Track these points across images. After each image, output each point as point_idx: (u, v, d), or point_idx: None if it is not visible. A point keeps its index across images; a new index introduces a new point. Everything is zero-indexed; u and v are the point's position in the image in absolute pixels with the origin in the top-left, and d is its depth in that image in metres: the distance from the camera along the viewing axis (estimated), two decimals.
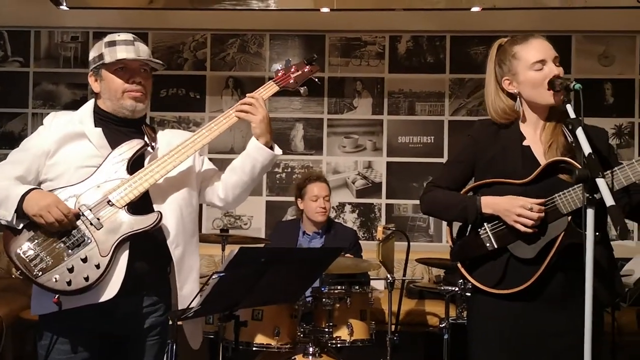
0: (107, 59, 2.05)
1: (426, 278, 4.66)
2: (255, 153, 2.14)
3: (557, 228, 1.92)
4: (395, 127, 5.24)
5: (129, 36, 2.10)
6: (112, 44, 2.07)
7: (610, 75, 5.13)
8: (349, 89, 5.28)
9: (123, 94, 2.06)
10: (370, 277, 4.26)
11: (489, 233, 2.01)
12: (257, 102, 2.12)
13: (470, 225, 2.07)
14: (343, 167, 5.26)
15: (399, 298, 3.55)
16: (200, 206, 2.31)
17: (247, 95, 2.16)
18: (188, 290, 2.09)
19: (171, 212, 2.06)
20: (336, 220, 5.06)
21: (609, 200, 1.63)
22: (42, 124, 2.11)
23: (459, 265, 2.09)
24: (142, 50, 2.10)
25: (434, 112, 5.22)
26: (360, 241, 4.00)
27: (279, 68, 2.28)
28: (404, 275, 3.67)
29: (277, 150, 2.18)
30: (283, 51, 5.29)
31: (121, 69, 2.06)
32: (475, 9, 4.58)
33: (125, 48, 2.06)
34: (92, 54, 2.11)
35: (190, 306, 2.04)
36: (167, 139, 2.17)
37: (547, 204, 1.93)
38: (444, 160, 4.90)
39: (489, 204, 2.00)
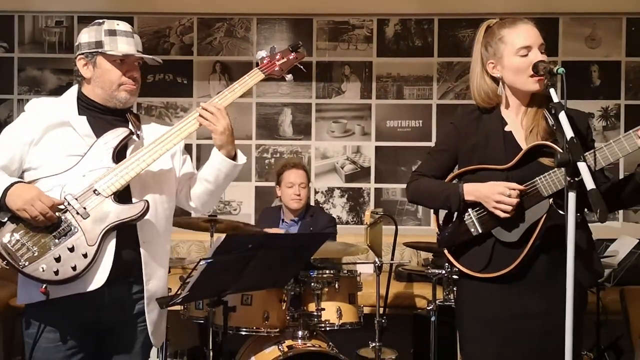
0: (108, 48, 2.02)
1: (414, 261, 4.69)
2: (218, 164, 2.13)
3: (539, 211, 1.94)
4: (384, 111, 5.23)
5: (127, 27, 2.08)
6: (112, 32, 2.03)
7: (596, 57, 5.13)
8: (337, 73, 5.25)
9: (119, 87, 2.05)
10: (359, 261, 4.30)
11: (474, 218, 2.03)
12: (219, 112, 2.07)
13: (456, 212, 2.08)
14: (332, 152, 5.25)
15: (387, 281, 3.58)
16: None
17: (208, 103, 2.10)
18: (154, 286, 2.09)
19: None
20: (325, 205, 5.09)
21: (590, 184, 1.64)
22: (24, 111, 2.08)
23: (445, 251, 2.11)
24: (139, 44, 2.09)
25: (422, 96, 5.22)
26: (338, 225, 4.00)
27: (264, 55, 2.25)
28: (392, 258, 3.71)
29: (241, 160, 2.16)
30: (270, 35, 5.25)
31: (120, 61, 2.04)
32: None
33: (126, 40, 2.04)
34: (86, 38, 2.05)
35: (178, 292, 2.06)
36: (152, 130, 2.16)
37: (528, 187, 1.95)
38: (432, 144, 4.91)
39: (471, 191, 2.01)
